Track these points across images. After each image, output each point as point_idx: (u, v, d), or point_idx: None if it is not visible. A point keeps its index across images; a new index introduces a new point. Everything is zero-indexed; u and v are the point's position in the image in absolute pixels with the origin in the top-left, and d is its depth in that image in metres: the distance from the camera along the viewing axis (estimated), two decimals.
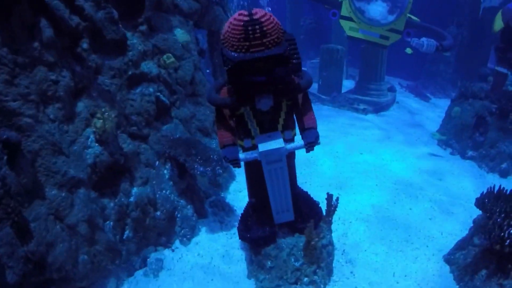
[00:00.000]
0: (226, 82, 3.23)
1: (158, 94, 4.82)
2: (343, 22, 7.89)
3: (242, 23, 2.59)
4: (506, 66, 6.82)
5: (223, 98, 3.00)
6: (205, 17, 6.35)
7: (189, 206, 4.82)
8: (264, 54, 2.62)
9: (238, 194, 5.78)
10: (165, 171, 4.80)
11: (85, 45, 3.95)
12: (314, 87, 11.16)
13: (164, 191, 4.62)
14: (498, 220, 3.44)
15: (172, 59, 5.00)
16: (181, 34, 5.36)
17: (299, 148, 3.16)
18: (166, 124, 5.11)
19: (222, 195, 5.70)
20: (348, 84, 12.13)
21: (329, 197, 3.68)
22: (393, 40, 7.69)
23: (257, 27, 2.59)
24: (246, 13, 2.62)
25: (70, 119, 3.63)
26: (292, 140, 3.34)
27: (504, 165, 6.71)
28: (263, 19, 2.61)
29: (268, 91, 2.88)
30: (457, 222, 5.01)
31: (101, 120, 3.68)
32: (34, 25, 3.31)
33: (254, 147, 3.20)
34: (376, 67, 9.90)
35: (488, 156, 6.93)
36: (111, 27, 4.25)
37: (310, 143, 3.12)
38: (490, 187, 3.88)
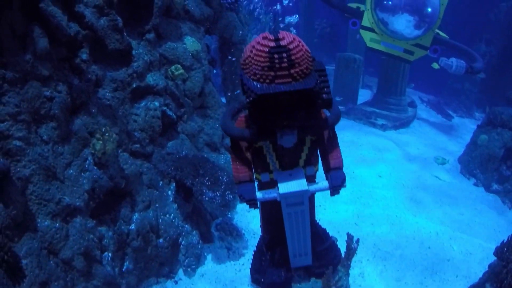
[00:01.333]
0: (241, 106, 2.92)
1: (165, 108, 4.52)
2: (363, 33, 7.55)
3: (267, 50, 2.27)
4: None
5: (241, 130, 2.67)
6: (217, 23, 6.05)
7: (194, 232, 4.50)
8: (291, 87, 2.29)
9: (246, 215, 5.46)
10: (169, 192, 4.49)
11: (84, 56, 3.65)
12: None
13: (167, 215, 4.31)
14: None
15: (181, 70, 4.70)
16: (191, 43, 5.05)
17: (323, 190, 2.84)
18: (171, 140, 4.81)
19: (229, 215, 5.38)
20: (363, 94, 11.76)
21: (350, 239, 3.37)
22: (418, 55, 7.33)
23: (284, 55, 2.27)
24: (271, 37, 2.30)
25: (65, 139, 3.33)
26: (314, 176, 3.03)
27: None
28: (291, 46, 2.29)
29: (293, 126, 2.55)
30: (473, 264, 4.75)
31: (101, 142, 3.38)
32: (26, 34, 3.01)
33: (272, 181, 2.87)
34: (396, 81, 9.49)
35: None
36: (114, 35, 3.95)
37: (336, 187, 2.81)
38: (510, 235, 3.65)
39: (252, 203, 2.79)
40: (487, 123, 7.37)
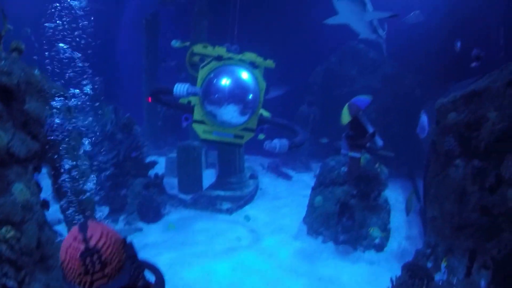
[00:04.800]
0: None
1: (4, 280, 4.35)
2: (196, 126, 8.14)
3: (79, 255, 2.39)
4: (358, 151, 7.86)
5: None
6: (47, 154, 6.01)
7: None
8: (108, 287, 2.45)
9: None
10: None
11: None
12: (174, 185, 11.26)
13: None
14: None
15: (12, 232, 4.60)
16: (19, 192, 4.98)
17: None
18: None
19: None
20: (209, 174, 12.51)
21: None
22: (247, 138, 8.21)
23: (95, 257, 2.41)
24: (81, 237, 2.43)
25: None
26: None
27: (377, 240, 7.76)
28: (99, 245, 2.44)
29: None
30: None
31: None
32: None
33: None
34: (234, 161, 10.46)
35: (360, 236, 7.89)
36: None
37: None
38: None
39: None
40: (319, 184, 8.68)
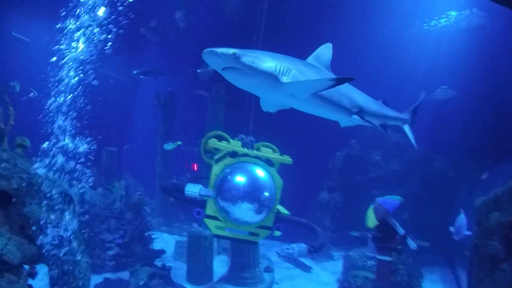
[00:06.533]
0: None
1: None
2: (208, 222, 8.04)
3: None
4: (387, 254, 7.45)
5: None
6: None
7: None
8: None
9: None
10: None
11: None
12: (182, 270, 10.96)
13: None
14: None
15: None
16: None
17: None
18: None
19: None
20: (221, 262, 12.14)
21: None
22: (263, 236, 8.05)
23: None
24: None
25: None
26: None
27: None
28: None
29: None
30: None
31: None
32: None
33: None
34: (248, 254, 10.11)
35: None
36: None
37: None
38: None
39: None
40: None
